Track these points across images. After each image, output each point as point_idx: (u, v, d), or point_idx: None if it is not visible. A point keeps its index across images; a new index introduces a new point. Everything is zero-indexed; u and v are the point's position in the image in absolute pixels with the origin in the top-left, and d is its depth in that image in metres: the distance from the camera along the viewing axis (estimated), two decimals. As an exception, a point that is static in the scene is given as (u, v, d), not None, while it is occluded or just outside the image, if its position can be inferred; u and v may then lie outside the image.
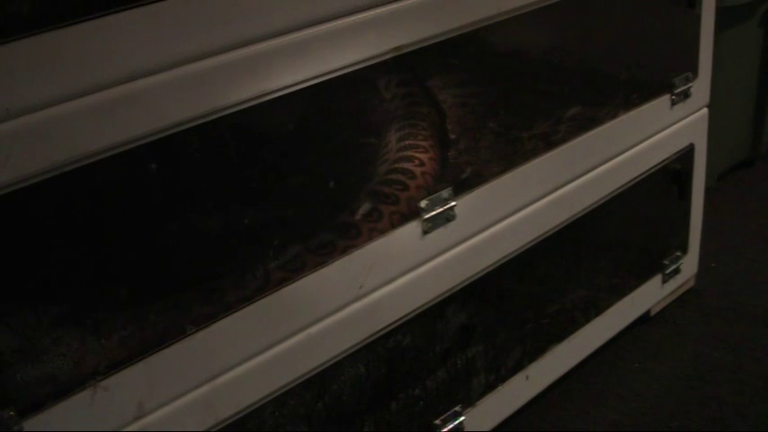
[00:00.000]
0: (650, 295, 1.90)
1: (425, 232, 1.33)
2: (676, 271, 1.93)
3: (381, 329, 1.32)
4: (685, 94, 1.75)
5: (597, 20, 1.57)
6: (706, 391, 1.73)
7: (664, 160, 1.77)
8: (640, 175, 1.72)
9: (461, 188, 1.36)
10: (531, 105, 1.48)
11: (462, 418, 1.49)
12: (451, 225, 1.36)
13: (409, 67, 1.25)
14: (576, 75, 1.56)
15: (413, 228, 1.31)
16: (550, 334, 1.66)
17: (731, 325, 1.92)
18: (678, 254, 1.92)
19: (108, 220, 0.99)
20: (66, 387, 0.98)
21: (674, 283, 1.94)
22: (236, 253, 1.12)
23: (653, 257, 1.89)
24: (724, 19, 2.14)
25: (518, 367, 1.60)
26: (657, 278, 1.89)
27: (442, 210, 1.33)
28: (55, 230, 0.95)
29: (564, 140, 1.52)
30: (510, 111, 1.44)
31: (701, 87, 1.79)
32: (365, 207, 1.25)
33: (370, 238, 1.25)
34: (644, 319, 1.93)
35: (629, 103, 1.64)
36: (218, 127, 1.04)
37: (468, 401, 1.51)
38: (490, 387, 1.55)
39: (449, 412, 1.48)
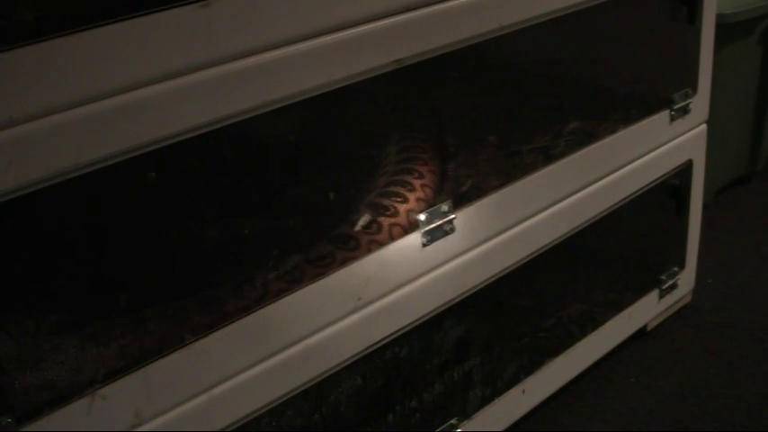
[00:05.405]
0: (647, 310, 1.90)
1: (424, 245, 1.33)
2: (673, 286, 1.93)
3: (379, 341, 1.32)
4: (684, 110, 1.76)
5: (597, 35, 1.58)
6: (702, 407, 1.73)
7: (662, 176, 1.78)
8: (639, 190, 1.73)
9: (461, 201, 1.36)
10: (530, 119, 1.48)
11: (458, 431, 1.49)
12: (450, 238, 1.36)
13: (410, 79, 1.25)
14: (575, 89, 1.56)
15: (412, 240, 1.31)
16: (547, 348, 1.66)
17: (727, 341, 1.92)
18: (675, 269, 1.93)
19: (108, 229, 0.99)
20: (64, 395, 0.98)
21: (670, 299, 1.95)
22: (235, 263, 1.12)
23: (650, 273, 1.89)
24: (723, 35, 2.14)
25: (515, 380, 1.60)
26: (654, 293, 1.89)
27: (441, 222, 1.34)
28: (55, 238, 0.95)
29: (563, 155, 1.53)
30: (510, 124, 1.44)
31: (700, 103, 1.80)
32: (364, 219, 1.25)
33: (369, 250, 1.26)
34: (640, 334, 1.93)
35: (629, 119, 1.65)
36: (218, 137, 1.04)
37: (465, 414, 1.51)
38: (486, 400, 1.55)
39: (445, 425, 1.48)
